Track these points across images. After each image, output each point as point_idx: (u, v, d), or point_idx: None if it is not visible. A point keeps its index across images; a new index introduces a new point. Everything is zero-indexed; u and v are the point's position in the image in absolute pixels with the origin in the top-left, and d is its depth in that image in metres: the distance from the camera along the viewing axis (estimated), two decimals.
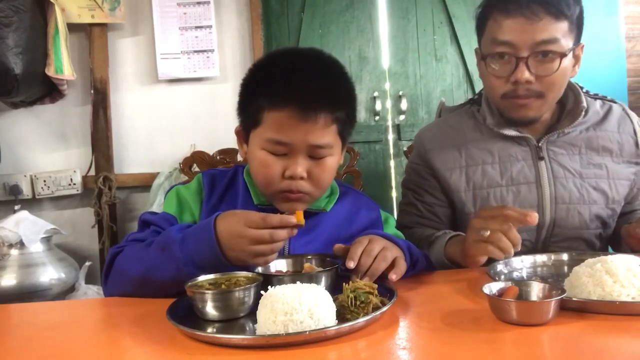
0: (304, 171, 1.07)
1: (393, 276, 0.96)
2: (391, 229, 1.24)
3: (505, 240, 1.00)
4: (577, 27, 1.24)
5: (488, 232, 1.01)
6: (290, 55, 1.17)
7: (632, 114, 1.40)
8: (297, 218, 0.95)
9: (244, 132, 1.15)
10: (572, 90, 1.34)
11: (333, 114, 1.07)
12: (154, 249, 1.01)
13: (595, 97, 1.41)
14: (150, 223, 1.13)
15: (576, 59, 1.27)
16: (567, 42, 1.21)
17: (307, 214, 1.15)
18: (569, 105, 1.34)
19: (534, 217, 0.99)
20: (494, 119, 1.34)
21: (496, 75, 1.26)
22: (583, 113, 1.31)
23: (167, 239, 1.00)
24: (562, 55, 1.21)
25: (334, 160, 1.12)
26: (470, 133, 1.39)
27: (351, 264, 0.95)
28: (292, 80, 1.07)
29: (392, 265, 0.99)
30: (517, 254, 1.04)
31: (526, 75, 1.21)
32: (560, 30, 1.20)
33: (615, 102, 1.41)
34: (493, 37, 1.24)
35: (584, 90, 1.38)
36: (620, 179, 1.34)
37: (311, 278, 0.91)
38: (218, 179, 1.21)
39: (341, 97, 1.11)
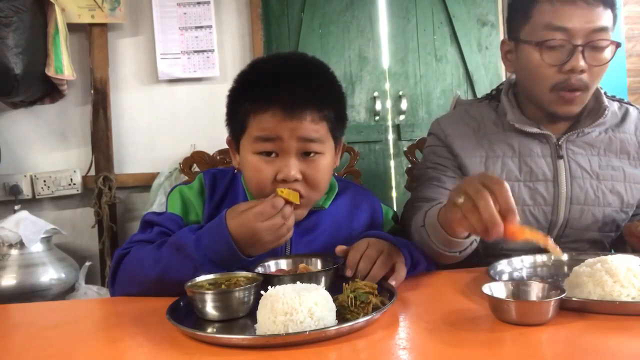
0: (297, 173, 1.04)
1: (393, 282, 0.96)
2: (391, 223, 1.24)
3: (475, 215, 0.86)
4: (614, 19, 1.21)
5: (462, 199, 0.88)
6: (273, 60, 1.18)
7: None
8: (285, 194, 0.99)
9: (234, 141, 1.14)
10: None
11: (320, 112, 1.06)
12: (167, 250, 1.00)
13: (613, 98, 1.39)
14: (155, 224, 1.12)
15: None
16: (610, 33, 1.19)
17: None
18: (590, 104, 1.30)
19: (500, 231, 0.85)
20: (515, 115, 1.31)
21: (548, 64, 1.20)
22: (606, 113, 1.28)
23: (180, 240, 1.00)
24: (617, 45, 1.18)
25: (327, 160, 1.10)
26: (491, 126, 1.36)
27: (349, 273, 0.95)
28: (275, 83, 1.05)
29: (392, 270, 0.99)
30: (521, 252, 0.99)
31: (582, 63, 1.17)
32: (609, 19, 1.18)
33: (631, 105, 1.39)
34: (547, 23, 1.18)
35: (603, 91, 1.35)
36: (636, 183, 1.32)
37: (311, 278, 0.91)
38: (219, 179, 1.21)
39: (327, 97, 1.10)
